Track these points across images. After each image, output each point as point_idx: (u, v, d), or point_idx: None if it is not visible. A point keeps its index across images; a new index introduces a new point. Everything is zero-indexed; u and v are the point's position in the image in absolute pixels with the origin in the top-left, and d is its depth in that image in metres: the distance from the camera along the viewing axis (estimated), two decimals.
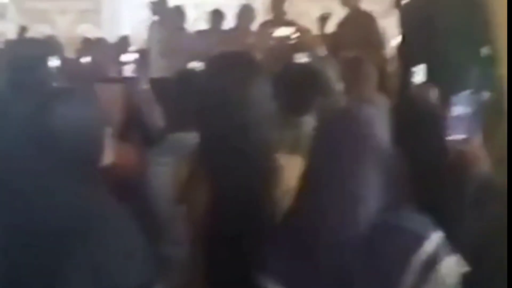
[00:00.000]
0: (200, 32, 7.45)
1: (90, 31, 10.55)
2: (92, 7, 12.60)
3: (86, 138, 1.80)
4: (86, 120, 1.82)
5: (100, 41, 7.89)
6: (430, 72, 4.46)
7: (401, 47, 5.16)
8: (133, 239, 1.79)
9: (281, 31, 6.47)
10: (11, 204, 1.71)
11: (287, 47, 6.22)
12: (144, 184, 2.54)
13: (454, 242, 1.83)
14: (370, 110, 1.90)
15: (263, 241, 1.91)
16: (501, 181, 2.28)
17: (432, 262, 1.75)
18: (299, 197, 1.88)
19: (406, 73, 4.69)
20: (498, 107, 2.35)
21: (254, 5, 7.56)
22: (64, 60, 6.39)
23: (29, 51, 3.50)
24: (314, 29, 6.70)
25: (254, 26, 7.14)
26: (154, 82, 4.24)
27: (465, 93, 3.28)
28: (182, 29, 7.49)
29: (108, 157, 1.96)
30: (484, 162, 2.52)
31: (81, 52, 7.29)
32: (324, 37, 6.53)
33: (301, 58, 5.63)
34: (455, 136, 2.67)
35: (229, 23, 7.38)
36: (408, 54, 4.93)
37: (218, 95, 2.13)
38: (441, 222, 1.85)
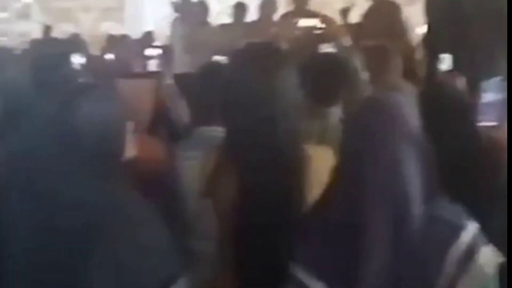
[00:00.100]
0: (223, 26, 7.44)
1: (113, 29, 10.59)
2: (115, 4, 12.66)
3: (107, 132, 1.79)
4: (107, 114, 1.81)
5: (124, 38, 7.92)
6: (458, 59, 4.40)
7: (428, 34, 5.11)
8: (157, 234, 1.77)
9: (307, 22, 6.43)
10: (35, 203, 1.71)
11: (312, 38, 6.19)
12: (172, 179, 2.53)
13: (487, 232, 1.80)
14: (399, 97, 1.87)
15: (292, 232, 1.88)
16: None
17: (470, 253, 1.73)
18: (331, 189, 1.84)
19: (433, 61, 4.64)
20: None
21: None
22: (89, 57, 6.42)
23: (53, 50, 3.51)
24: (338, 20, 6.66)
25: (276, 17, 7.11)
26: (178, 78, 4.23)
27: (495, 80, 3.22)
28: (205, 23, 7.49)
29: (130, 151, 1.96)
30: None
31: (106, 49, 7.30)
32: (349, 27, 6.50)
33: (326, 48, 5.59)
34: (486, 123, 2.63)
35: (251, 15, 7.36)
36: (435, 41, 4.87)
37: (245, 87, 2.11)
38: (473, 212, 1.82)
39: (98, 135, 1.76)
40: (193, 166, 2.37)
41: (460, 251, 1.72)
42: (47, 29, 9.70)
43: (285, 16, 7.01)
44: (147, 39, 8.51)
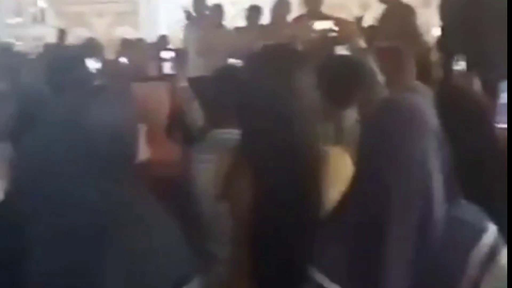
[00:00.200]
0: (238, 29, 7.44)
1: (127, 33, 10.64)
2: (129, 9, 12.72)
3: (121, 135, 1.79)
4: (121, 117, 1.80)
5: (139, 42, 7.95)
6: (473, 60, 4.38)
7: (443, 36, 5.10)
8: (170, 236, 1.76)
9: (322, 24, 6.42)
10: (49, 205, 1.71)
11: (327, 40, 6.18)
12: (186, 182, 2.53)
13: (504, 233, 1.79)
14: (416, 98, 1.85)
15: (309, 234, 1.87)
16: None
17: (492, 254, 1.72)
18: (350, 191, 1.82)
19: (448, 62, 4.63)
20: None
21: None
22: (104, 61, 6.45)
23: (67, 54, 3.52)
24: (353, 22, 6.66)
25: (290, 20, 7.11)
26: (193, 81, 4.25)
27: None
28: (220, 26, 7.49)
29: (144, 154, 1.95)
30: None
31: (121, 53, 7.34)
32: (364, 30, 6.51)
33: (341, 50, 5.59)
34: (504, 124, 2.60)
35: (265, 18, 7.35)
36: (450, 43, 4.86)
37: (262, 88, 2.10)
38: (491, 213, 1.80)
39: (112, 137, 1.76)
40: (208, 169, 2.36)
41: (482, 253, 1.71)
42: (62, 33, 9.75)
43: (298, 18, 7.00)
44: (162, 42, 8.54)
